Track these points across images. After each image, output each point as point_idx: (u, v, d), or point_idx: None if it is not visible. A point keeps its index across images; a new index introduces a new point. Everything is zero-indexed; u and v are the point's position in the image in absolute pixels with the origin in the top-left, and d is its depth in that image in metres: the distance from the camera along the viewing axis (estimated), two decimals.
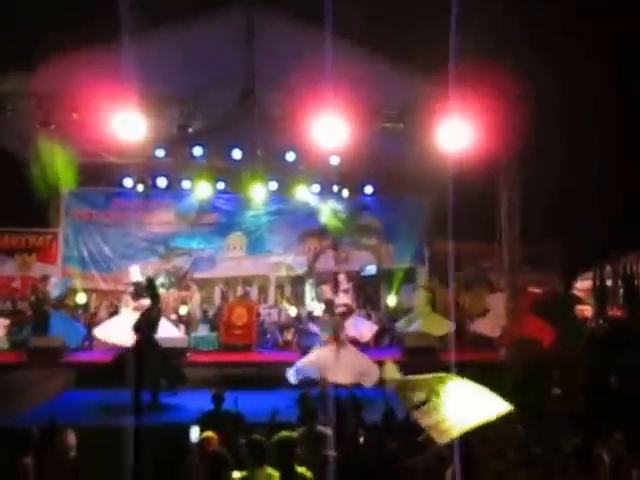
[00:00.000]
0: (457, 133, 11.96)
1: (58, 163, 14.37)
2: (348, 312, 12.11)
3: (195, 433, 6.55)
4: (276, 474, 5.14)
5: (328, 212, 18.01)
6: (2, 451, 6.86)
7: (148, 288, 11.44)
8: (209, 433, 6.33)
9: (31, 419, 8.86)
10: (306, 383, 10.77)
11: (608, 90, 14.42)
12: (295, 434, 5.45)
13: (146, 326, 10.81)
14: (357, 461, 6.52)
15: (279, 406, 9.98)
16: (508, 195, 13.51)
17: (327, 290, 14.58)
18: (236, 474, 5.30)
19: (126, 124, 11.65)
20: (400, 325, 15.66)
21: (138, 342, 10.79)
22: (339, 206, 18.25)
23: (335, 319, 11.44)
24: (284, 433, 5.31)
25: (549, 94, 12.78)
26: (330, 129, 11.99)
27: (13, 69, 11.72)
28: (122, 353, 11.28)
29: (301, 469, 5.16)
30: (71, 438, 7.51)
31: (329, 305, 11.99)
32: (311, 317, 14.92)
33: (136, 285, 13.53)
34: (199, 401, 9.90)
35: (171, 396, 10.83)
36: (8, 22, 12.23)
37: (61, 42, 11.25)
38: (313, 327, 14.35)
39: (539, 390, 11.07)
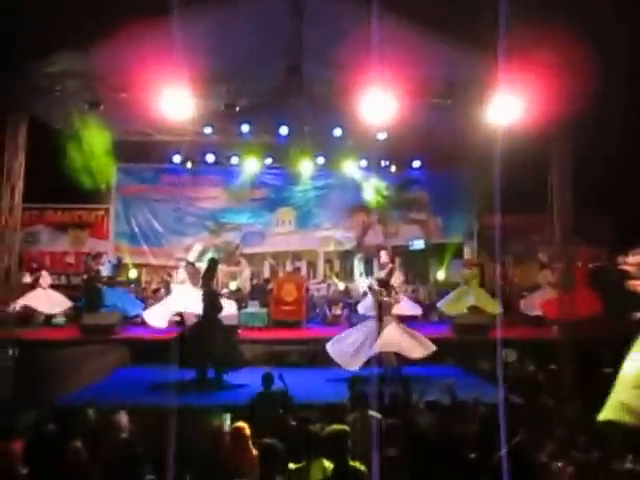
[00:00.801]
0: (507, 107, 11.68)
1: (98, 146, 14.50)
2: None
3: (227, 421, 6.57)
4: (331, 466, 5.16)
5: (372, 190, 17.92)
6: (57, 433, 7.07)
7: (208, 270, 11.50)
8: (241, 423, 6.19)
9: (86, 398, 9.14)
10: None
11: None
12: (347, 427, 5.34)
13: (210, 308, 10.91)
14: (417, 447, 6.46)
15: (329, 387, 10.29)
16: (560, 167, 13.20)
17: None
18: (291, 465, 5.34)
19: (174, 103, 11.63)
20: (447, 305, 15.57)
21: (201, 323, 10.93)
22: (385, 181, 18.13)
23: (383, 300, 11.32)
24: (336, 426, 5.28)
25: (606, 61, 12.40)
26: (378, 105, 11.80)
27: (62, 50, 11.81)
28: (183, 332, 11.43)
29: (355, 463, 5.14)
30: (123, 419, 7.69)
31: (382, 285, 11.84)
32: (360, 293, 14.96)
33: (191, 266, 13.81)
34: (250, 379, 10.12)
35: (222, 374, 10.91)
36: (56, 3, 12.31)
37: (110, 21, 11.32)
38: (362, 302, 14.43)
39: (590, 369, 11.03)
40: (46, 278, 15.15)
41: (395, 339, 10.65)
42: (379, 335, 10.67)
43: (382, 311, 11.05)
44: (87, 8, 12.09)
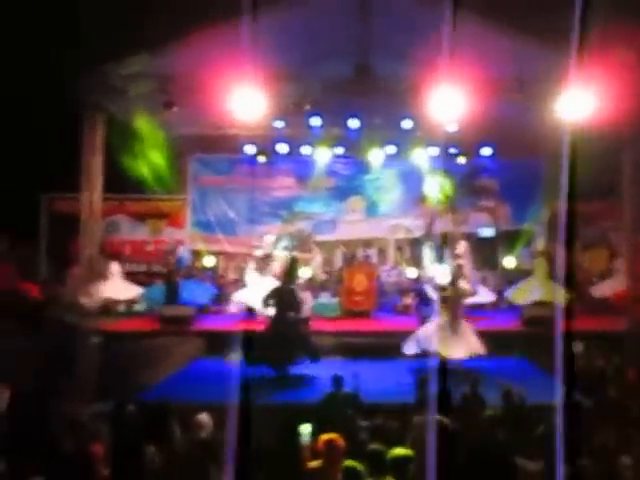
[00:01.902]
0: (580, 101, 11.60)
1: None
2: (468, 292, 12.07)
3: (306, 430, 6.69)
4: None
5: (441, 178, 18.02)
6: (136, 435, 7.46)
7: (290, 270, 11.84)
8: (333, 435, 5.76)
9: (164, 395, 9.62)
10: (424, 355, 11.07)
11: None
12: (411, 452, 5.35)
13: (283, 304, 11.27)
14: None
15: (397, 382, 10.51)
16: (632, 154, 13.06)
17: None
18: None
19: (245, 101, 11.95)
20: (515, 294, 15.57)
21: (274, 320, 11.36)
22: (454, 169, 18.21)
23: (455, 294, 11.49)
24: (400, 451, 5.29)
25: None
26: (448, 101, 11.86)
27: (137, 52, 12.27)
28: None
29: None
30: (205, 419, 8.08)
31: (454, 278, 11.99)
32: (430, 281, 15.08)
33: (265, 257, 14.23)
34: (323, 372, 10.42)
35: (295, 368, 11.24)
36: (130, 5, 12.76)
37: (183, 23, 11.69)
38: (432, 292, 14.57)
39: None
40: (114, 268, 15.67)
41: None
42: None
43: (452, 309, 11.24)
44: (160, 10, 12.55)
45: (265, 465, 7.22)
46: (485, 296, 15.33)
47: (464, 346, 10.97)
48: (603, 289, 15.48)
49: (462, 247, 15.01)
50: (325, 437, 5.68)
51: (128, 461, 6.66)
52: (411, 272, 17.11)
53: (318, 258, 18.09)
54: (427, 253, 17.29)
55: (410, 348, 11.38)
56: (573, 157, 11.29)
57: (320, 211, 18.73)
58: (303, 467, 6.04)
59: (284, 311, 11.28)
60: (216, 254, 18.39)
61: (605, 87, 11.57)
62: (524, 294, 15.31)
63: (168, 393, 9.86)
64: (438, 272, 14.04)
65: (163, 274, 15.88)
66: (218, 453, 7.12)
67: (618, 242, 15.80)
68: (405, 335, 11.79)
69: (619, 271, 15.16)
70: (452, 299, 11.48)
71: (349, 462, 5.14)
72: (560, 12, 9.85)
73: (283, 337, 10.90)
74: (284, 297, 11.33)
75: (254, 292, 14.25)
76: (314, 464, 5.72)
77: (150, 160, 15.92)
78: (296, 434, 6.88)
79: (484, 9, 11.93)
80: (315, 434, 6.57)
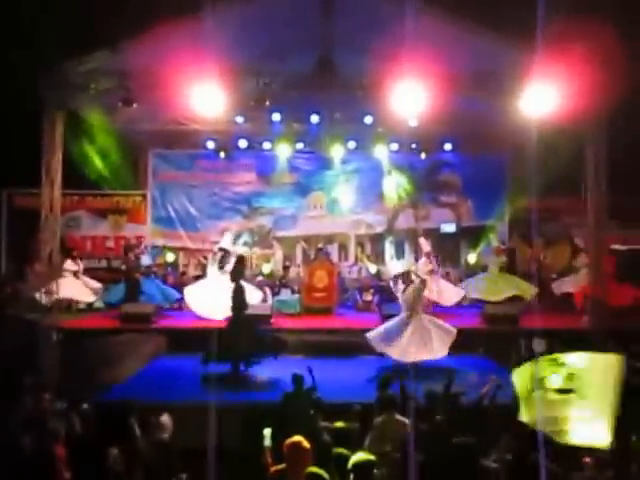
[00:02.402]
0: (542, 98, 11.65)
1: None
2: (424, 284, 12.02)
3: (268, 435, 6.65)
4: None
5: (403, 173, 18.12)
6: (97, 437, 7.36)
7: (237, 267, 11.75)
8: (298, 438, 5.58)
9: (125, 394, 9.53)
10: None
11: None
12: (373, 458, 5.27)
13: (238, 305, 11.17)
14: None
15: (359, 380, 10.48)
16: (595, 149, 13.18)
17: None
18: None
19: (205, 97, 11.84)
20: (481, 288, 15.70)
21: (230, 320, 11.25)
22: (416, 164, 18.27)
23: (412, 293, 11.47)
24: (363, 457, 5.20)
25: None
26: (409, 95, 11.83)
27: (96, 48, 12.09)
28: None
29: None
30: (166, 420, 8.00)
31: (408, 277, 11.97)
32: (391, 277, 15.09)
33: (224, 252, 14.13)
34: (282, 370, 10.36)
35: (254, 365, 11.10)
36: (89, 2, 12.58)
37: (141, 20, 11.56)
38: (393, 288, 14.59)
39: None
40: (72, 265, 15.33)
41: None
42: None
43: (413, 306, 11.24)
44: (120, 6, 12.38)
45: (227, 467, 7.23)
46: (455, 295, 15.30)
47: (425, 345, 10.93)
48: (565, 286, 15.62)
49: (425, 244, 15.10)
50: (289, 441, 5.57)
51: (88, 463, 6.58)
52: (372, 268, 17.16)
53: (279, 253, 18.06)
54: (388, 249, 17.37)
55: (376, 344, 11.28)
56: (536, 153, 11.45)
57: (281, 206, 18.59)
58: (266, 471, 5.97)
59: (236, 309, 11.19)
60: (177, 249, 18.27)
61: (567, 83, 11.64)
62: (492, 291, 15.39)
63: (129, 392, 9.83)
64: (399, 268, 14.09)
65: (123, 271, 15.67)
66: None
67: (580, 238, 15.94)
68: (366, 332, 11.65)
69: (581, 268, 15.26)
70: (412, 295, 11.41)
71: (313, 469, 5.03)
72: (521, 8, 9.94)
73: (240, 335, 10.79)
74: (233, 296, 11.23)
75: (206, 291, 14.17)
76: (278, 468, 5.67)
77: (103, 156, 15.75)
78: (258, 436, 6.86)
79: (447, 5, 12.01)
80: (276, 434, 6.60)
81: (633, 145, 14.46)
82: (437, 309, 14.86)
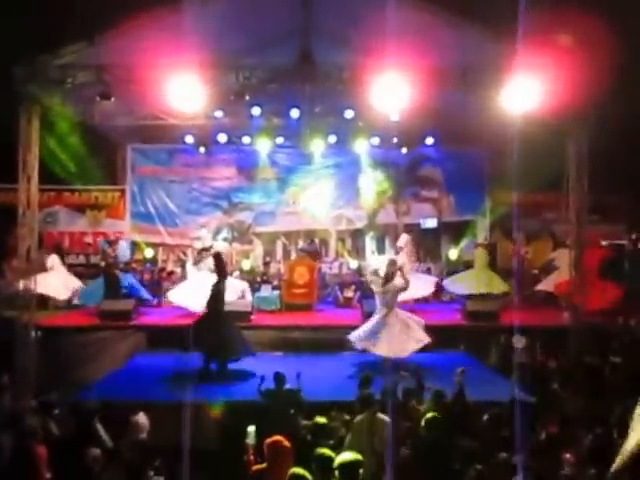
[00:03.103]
0: (524, 93, 11.57)
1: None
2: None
3: (252, 433, 6.58)
4: None
5: (383, 168, 18.06)
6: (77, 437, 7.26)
7: (216, 264, 11.62)
8: (278, 437, 5.67)
9: (102, 393, 9.39)
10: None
11: None
12: (360, 457, 5.12)
13: (214, 301, 11.04)
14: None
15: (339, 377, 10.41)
16: (577, 145, 13.15)
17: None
18: None
19: (183, 91, 11.66)
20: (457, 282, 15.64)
21: (205, 315, 11.09)
22: (397, 159, 18.16)
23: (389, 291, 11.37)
24: (349, 457, 5.05)
25: (622, 43, 12.30)
26: (391, 90, 11.72)
27: (72, 42, 11.88)
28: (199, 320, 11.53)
29: None
30: (142, 419, 7.90)
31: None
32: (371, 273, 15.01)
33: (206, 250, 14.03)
34: (262, 367, 10.28)
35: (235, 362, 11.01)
36: None
37: (119, 12, 11.37)
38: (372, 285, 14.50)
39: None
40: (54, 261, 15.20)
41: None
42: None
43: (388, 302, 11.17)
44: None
45: (208, 466, 7.16)
46: (423, 289, 15.23)
47: (402, 341, 10.85)
48: (547, 284, 15.60)
49: (403, 240, 15.00)
50: (269, 440, 5.61)
51: (67, 463, 6.57)
52: (353, 264, 17.07)
53: (259, 249, 17.93)
54: (369, 244, 17.31)
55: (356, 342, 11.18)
56: (518, 148, 11.41)
57: (261, 202, 18.44)
58: (248, 469, 5.97)
59: (211, 307, 11.08)
60: (156, 245, 18.09)
61: (549, 77, 11.58)
62: (463, 282, 15.34)
63: (107, 390, 9.71)
64: (379, 263, 14.02)
65: (102, 267, 15.47)
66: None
67: (561, 234, 15.92)
68: (347, 329, 11.60)
69: (562, 264, 15.22)
70: (388, 292, 11.31)
71: (296, 469, 4.95)
72: (503, 1, 9.89)
73: (220, 332, 10.67)
74: (211, 293, 11.12)
75: (187, 289, 14.03)
76: (258, 467, 5.69)
77: (80, 151, 15.55)
78: (238, 435, 6.80)
79: None
80: (257, 432, 6.53)
81: (613, 140, 14.48)
82: (418, 306, 14.87)
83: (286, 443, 5.56)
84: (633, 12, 12.36)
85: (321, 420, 6.99)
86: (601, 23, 11.77)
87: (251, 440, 6.49)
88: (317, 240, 18.32)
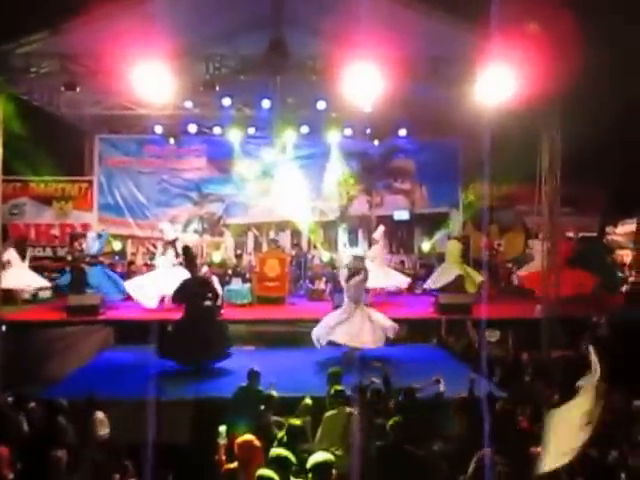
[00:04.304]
0: (497, 84, 11.50)
1: None
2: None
3: (223, 432, 6.49)
4: None
5: (356, 159, 17.89)
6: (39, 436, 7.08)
7: (185, 258, 11.40)
8: (249, 437, 5.58)
9: (70, 389, 9.19)
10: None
11: None
12: (332, 457, 5.07)
13: (187, 296, 10.81)
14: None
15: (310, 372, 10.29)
16: (549, 137, 13.14)
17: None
18: None
19: (151, 80, 11.42)
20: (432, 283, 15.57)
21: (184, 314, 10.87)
22: (370, 150, 18.02)
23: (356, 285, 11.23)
24: (321, 457, 4.98)
25: (595, 39, 12.30)
26: (363, 81, 11.57)
27: (36, 30, 11.59)
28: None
29: None
30: (101, 417, 7.73)
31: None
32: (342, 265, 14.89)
33: (170, 243, 13.81)
34: (234, 362, 10.13)
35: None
36: None
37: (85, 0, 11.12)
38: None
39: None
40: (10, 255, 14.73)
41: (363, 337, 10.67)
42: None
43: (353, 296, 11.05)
44: None
45: (178, 464, 7.03)
46: (398, 282, 15.19)
47: (367, 334, 10.75)
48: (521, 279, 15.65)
49: (379, 232, 14.96)
50: (240, 439, 5.52)
51: (30, 462, 6.42)
52: (325, 256, 16.93)
53: (230, 241, 17.71)
54: (342, 236, 17.19)
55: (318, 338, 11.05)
56: (490, 140, 11.35)
57: (232, 193, 18.19)
58: (219, 469, 5.90)
59: (197, 302, 10.79)
60: (125, 237, 17.79)
61: (522, 69, 11.54)
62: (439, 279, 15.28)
63: (74, 387, 9.49)
64: (350, 256, 13.93)
65: (69, 261, 15.16)
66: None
67: (533, 226, 15.93)
68: (319, 322, 11.47)
69: (535, 256, 15.22)
70: (352, 286, 11.19)
71: (263, 471, 4.84)
72: None
73: (196, 330, 10.45)
74: (195, 288, 10.85)
75: (150, 281, 13.83)
76: (230, 466, 5.61)
77: (35, 141, 15.22)
78: (209, 432, 6.69)
79: None
80: (228, 429, 6.42)
81: (586, 132, 14.49)
82: (390, 298, 14.81)
83: (257, 443, 5.48)
84: (604, 4, 12.39)
85: (296, 422, 6.87)
86: (572, 14, 11.74)
87: (222, 439, 6.39)
88: (289, 231, 18.15)
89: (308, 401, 7.82)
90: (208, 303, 10.89)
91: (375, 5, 10.48)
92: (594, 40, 12.03)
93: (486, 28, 10.33)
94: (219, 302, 13.30)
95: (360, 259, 11.88)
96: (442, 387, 7.95)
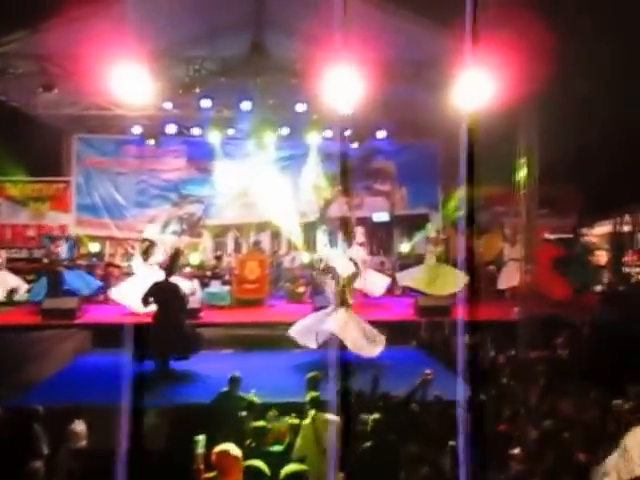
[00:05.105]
0: (475, 88, 11.54)
1: None
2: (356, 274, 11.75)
3: (201, 442, 6.41)
4: None
5: (336, 160, 17.88)
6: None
7: (172, 263, 11.31)
8: (227, 446, 5.34)
9: (45, 395, 9.08)
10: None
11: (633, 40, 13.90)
12: (305, 467, 5.16)
13: (163, 298, 10.73)
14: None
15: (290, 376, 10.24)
16: (527, 139, 13.23)
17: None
18: None
19: (130, 83, 11.33)
20: (415, 277, 15.50)
21: (155, 314, 10.77)
22: (350, 151, 17.93)
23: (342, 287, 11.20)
24: (294, 467, 5.06)
25: (572, 42, 12.39)
26: (343, 84, 11.56)
27: (14, 31, 11.48)
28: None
29: None
30: (79, 427, 7.64)
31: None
32: (323, 268, 14.88)
33: (148, 243, 13.68)
34: (212, 367, 10.05)
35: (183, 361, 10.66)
36: None
37: (63, 0, 11.01)
38: (324, 279, 14.35)
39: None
40: None
41: (351, 335, 10.61)
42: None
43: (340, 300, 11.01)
44: None
45: (155, 473, 6.96)
46: (380, 287, 15.15)
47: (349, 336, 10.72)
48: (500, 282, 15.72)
49: (360, 235, 14.97)
50: (218, 449, 5.34)
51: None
52: (305, 257, 16.88)
53: (209, 242, 17.62)
54: (321, 238, 17.14)
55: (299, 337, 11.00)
56: (469, 141, 11.39)
57: (211, 194, 18.06)
58: (197, 479, 5.71)
59: (166, 308, 10.70)
60: (103, 239, 17.61)
61: (499, 72, 11.60)
62: (417, 281, 15.22)
63: (49, 394, 9.38)
64: (331, 258, 13.91)
65: (44, 265, 14.98)
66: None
67: (511, 228, 16.00)
68: None
69: (513, 259, 15.30)
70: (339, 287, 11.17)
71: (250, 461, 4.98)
72: None
73: (168, 333, 10.38)
74: (165, 294, 10.75)
75: (135, 285, 13.64)
76: (208, 476, 5.46)
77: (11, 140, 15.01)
78: (187, 439, 6.62)
79: None
80: (208, 437, 6.37)
81: (563, 134, 14.59)
82: (372, 300, 14.79)
83: (235, 452, 5.29)
84: (580, 8, 12.47)
85: (260, 423, 6.85)
86: (547, 18, 11.82)
87: (200, 449, 6.32)
88: (269, 233, 18.08)
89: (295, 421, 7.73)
90: (177, 307, 10.80)
91: (356, 9, 10.46)
92: (570, 43, 12.14)
93: (464, 33, 10.37)
94: (197, 305, 13.29)
95: (354, 262, 11.86)
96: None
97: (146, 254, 14.01)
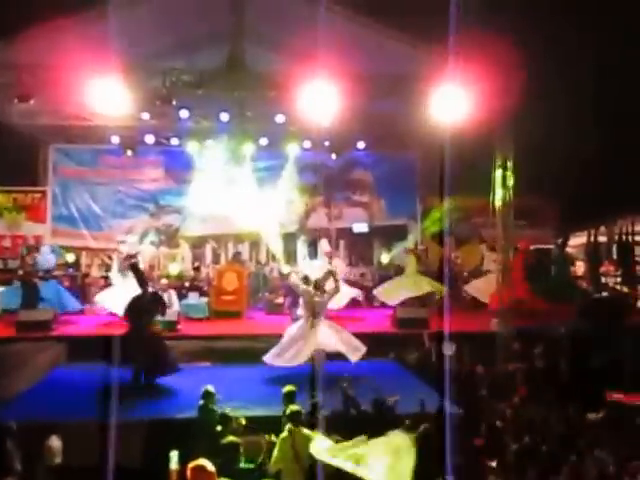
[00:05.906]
0: (453, 102, 11.63)
1: None
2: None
3: (175, 458, 6.39)
4: None
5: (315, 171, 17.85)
6: None
7: (135, 275, 11.22)
8: (201, 462, 5.29)
9: (19, 410, 8.96)
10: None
11: (606, 54, 14.12)
12: None
13: (137, 314, 10.63)
14: None
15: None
16: (503, 151, 13.32)
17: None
18: None
19: (107, 94, 11.27)
20: (384, 293, 15.55)
21: (129, 330, 10.67)
22: (328, 163, 17.97)
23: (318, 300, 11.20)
24: None
25: (546, 59, 12.55)
26: (321, 97, 11.58)
27: None
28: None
29: None
30: (56, 444, 7.55)
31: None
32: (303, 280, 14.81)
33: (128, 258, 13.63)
34: (189, 381, 9.97)
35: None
36: None
37: (39, 11, 10.95)
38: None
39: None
40: None
41: (331, 342, 10.62)
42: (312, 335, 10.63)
43: (315, 312, 10.98)
44: None
45: None
46: (348, 294, 15.10)
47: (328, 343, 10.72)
48: (474, 287, 15.76)
49: (325, 245, 14.95)
50: (192, 465, 5.30)
51: None
52: (284, 268, 16.81)
53: (187, 253, 17.51)
54: (301, 249, 17.09)
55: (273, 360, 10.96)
56: (447, 153, 11.49)
57: (189, 204, 17.84)
58: None
59: (140, 325, 10.64)
60: (80, 249, 17.47)
61: (476, 85, 11.70)
62: (394, 293, 15.23)
63: (24, 409, 9.26)
64: (311, 269, 13.87)
65: (20, 276, 14.81)
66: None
67: (489, 239, 16.05)
68: (278, 337, 11.32)
69: (491, 270, 15.35)
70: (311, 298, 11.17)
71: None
72: (434, 12, 9.90)
73: (144, 347, 10.30)
74: (140, 309, 10.69)
75: (117, 294, 13.53)
76: None
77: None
78: (163, 455, 6.60)
79: (359, 6, 11.89)
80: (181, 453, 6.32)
81: (539, 147, 14.74)
82: (348, 311, 14.77)
83: (210, 468, 5.26)
84: (560, 27, 12.64)
85: (233, 439, 6.82)
86: (524, 35, 11.97)
87: (174, 465, 6.30)
88: (247, 244, 18.01)
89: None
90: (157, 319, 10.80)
91: (335, 23, 10.51)
92: (547, 59, 12.31)
93: (443, 48, 10.47)
94: (175, 317, 13.18)
95: (330, 274, 11.83)
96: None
97: (125, 267, 13.89)
